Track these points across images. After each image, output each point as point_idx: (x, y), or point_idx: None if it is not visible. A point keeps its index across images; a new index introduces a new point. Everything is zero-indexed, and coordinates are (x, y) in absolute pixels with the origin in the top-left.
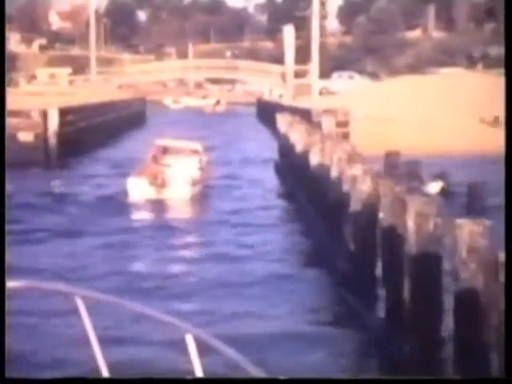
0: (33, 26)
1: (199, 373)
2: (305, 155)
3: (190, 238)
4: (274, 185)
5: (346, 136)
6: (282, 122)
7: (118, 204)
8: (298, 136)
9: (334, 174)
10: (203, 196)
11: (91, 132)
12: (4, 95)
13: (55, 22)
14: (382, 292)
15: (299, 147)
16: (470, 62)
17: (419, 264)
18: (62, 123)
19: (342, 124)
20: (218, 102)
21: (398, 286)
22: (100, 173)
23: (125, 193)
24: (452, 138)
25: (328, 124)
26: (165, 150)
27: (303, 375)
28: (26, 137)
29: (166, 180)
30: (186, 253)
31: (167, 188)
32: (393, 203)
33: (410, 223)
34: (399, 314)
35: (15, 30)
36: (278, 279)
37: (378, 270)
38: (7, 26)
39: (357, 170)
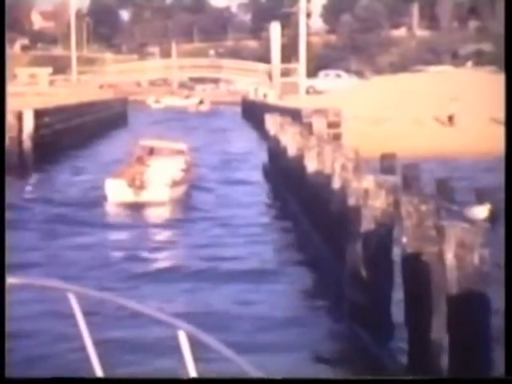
0: (15, 26)
1: (192, 371)
2: (298, 160)
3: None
4: (263, 190)
5: (337, 137)
6: (272, 123)
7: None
8: (290, 139)
9: (336, 184)
10: (187, 198)
11: (69, 134)
12: (4, 95)
13: (37, 22)
14: (403, 333)
15: (292, 151)
16: (457, 60)
17: (461, 306)
18: (38, 125)
19: (334, 124)
20: (201, 102)
21: (426, 328)
22: (79, 177)
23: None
24: (446, 137)
25: (319, 125)
26: (149, 151)
27: None
28: None
29: (144, 182)
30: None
31: (146, 190)
32: (419, 227)
33: (450, 256)
34: (427, 363)
35: None
36: (275, 322)
37: (397, 304)
38: None
39: (368, 182)
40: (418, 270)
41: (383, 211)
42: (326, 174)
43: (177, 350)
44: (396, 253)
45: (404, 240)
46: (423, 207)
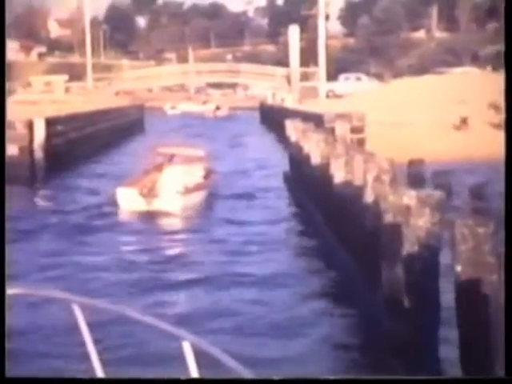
0: (31, 34)
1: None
2: (323, 169)
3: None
4: (284, 199)
5: (361, 143)
6: (293, 129)
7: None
8: (313, 146)
9: (368, 198)
10: (205, 205)
11: (84, 143)
12: (4, 105)
13: (54, 30)
14: (454, 372)
15: (315, 159)
16: (477, 62)
17: None
18: (50, 134)
19: (357, 129)
20: (217, 108)
21: (483, 369)
22: (93, 186)
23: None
24: (474, 142)
25: (342, 130)
26: (167, 158)
27: None
28: (9, 150)
29: (155, 190)
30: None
31: (157, 198)
32: (476, 251)
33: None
34: None
35: (14, 38)
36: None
37: (444, 334)
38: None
39: (410, 198)
40: (474, 301)
41: (428, 231)
42: (356, 185)
43: (181, 360)
44: (443, 279)
45: (458, 268)
46: (480, 230)
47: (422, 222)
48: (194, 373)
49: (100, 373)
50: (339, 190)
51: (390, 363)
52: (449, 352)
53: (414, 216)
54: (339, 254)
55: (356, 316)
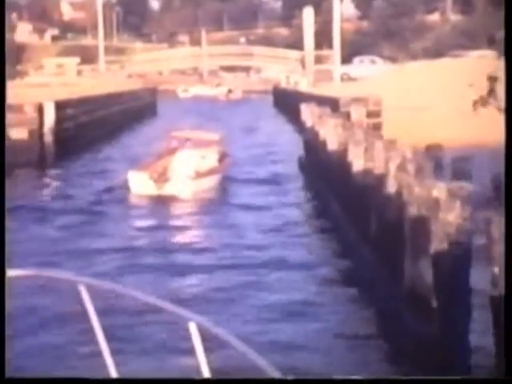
0: (44, 17)
1: (204, 365)
2: (341, 156)
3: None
4: (298, 186)
5: (377, 127)
6: (309, 113)
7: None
8: (330, 131)
9: (391, 188)
10: (220, 188)
11: (95, 126)
12: (4, 90)
13: (67, 12)
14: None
15: (332, 145)
16: (493, 45)
17: None
18: (61, 118)
19: (373, 114)
20: (229, 91)
21: None
22: (104, 170)
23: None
24: (490, 126)
25: (358, 114)
26: (181, 142)
27: None
28: (18, 134)
29: (168, 174)
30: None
31: (168, 183)
32: None
33: None
34: None
35: (27, 21)
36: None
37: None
38: (17, 16)
39: (439, 190)
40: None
41: (459, 227)
42: (377, 174)
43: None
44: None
45: (495, 269)
46: None
47: (452, 217)
48: (200, 355)
49: (109, 360)
50: (358, 179)
51: (410, 361)
52: (480, 359)
53: (444, 210)
54: (357, 246)
55: (375, 311)
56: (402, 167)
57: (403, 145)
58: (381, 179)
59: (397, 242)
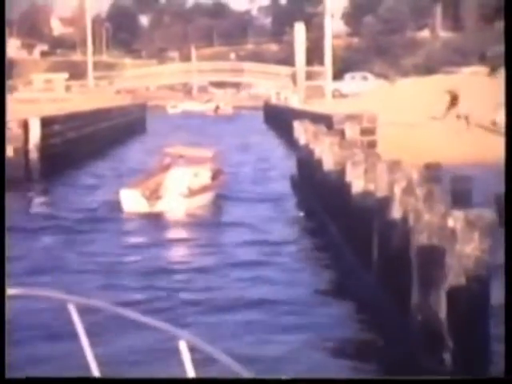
0: (34, 32)
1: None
2: (338, 176)
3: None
4: (290, 206)
5: (372, 145)
6: (302, 131)
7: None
8: (326, 150)
9: (395, 213)
10: (215, 206)
11: (83, 143)
12: (4, 105)
13: (57, 28)
14: None
15: (328, 164)
16: (484, 61)
17: None
18: (48, 134)
19: (368, 131)
20: (217, 107)
21: None
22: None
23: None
24: (489, 145)
25: (352, 132)
26: (174, 159)
27: None
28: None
29: (160, 192)
30: None
31: (161, 200)
32: None
33: None
34: None
35: (16, 36)
36: None
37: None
38: (7, 32)
39: (456, 220)
40: None
41: (477, 260)
42: (380, 197)
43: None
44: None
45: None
46: None
47: (469, 249)
48: (190, 372)
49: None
50: (358, 200)
51: None
52: None
53: (461, 242)
54: (361, 276)
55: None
56: (408, 190)
57: (408, 166)
58: (383, 202)
59: (401, 271)
